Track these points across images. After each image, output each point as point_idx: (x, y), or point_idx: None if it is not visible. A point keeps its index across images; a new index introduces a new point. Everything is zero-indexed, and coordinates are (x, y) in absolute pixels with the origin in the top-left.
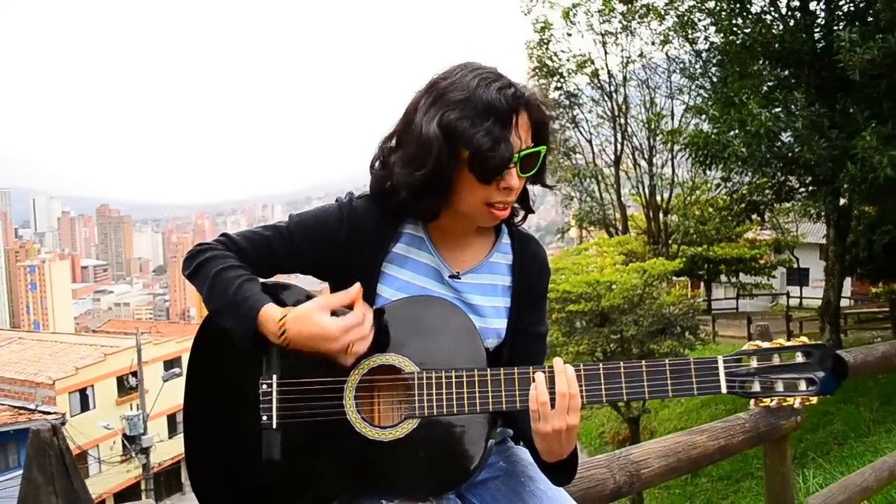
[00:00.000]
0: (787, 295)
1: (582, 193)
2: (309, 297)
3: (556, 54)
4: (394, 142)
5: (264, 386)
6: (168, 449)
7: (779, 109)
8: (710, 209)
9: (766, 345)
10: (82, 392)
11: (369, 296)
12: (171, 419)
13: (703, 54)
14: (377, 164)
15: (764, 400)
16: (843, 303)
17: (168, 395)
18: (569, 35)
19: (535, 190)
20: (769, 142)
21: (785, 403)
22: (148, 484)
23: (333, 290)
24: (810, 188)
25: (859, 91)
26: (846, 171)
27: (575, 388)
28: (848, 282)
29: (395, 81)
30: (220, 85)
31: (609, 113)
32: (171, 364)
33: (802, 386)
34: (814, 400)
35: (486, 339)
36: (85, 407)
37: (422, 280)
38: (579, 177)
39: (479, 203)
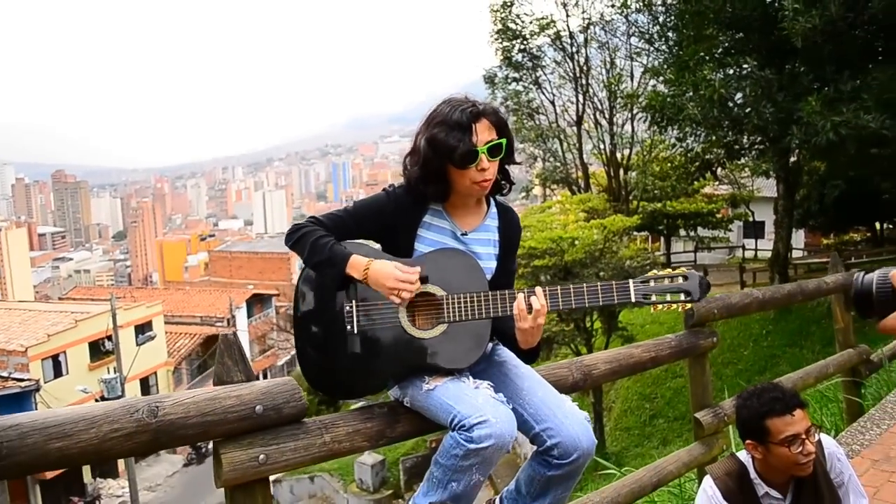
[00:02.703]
0: (743, 247)
1: (545, 153)
2: (368, 245)
3: (518, 17)
4: (410, 153)
5: (347, 307)
6: None
7: (731, 72)
8: (669, 166)
9: (661, 273)
10: (55, 358)
11: (409, 249)
12: (145, 382)
13: (660, 18)
14: (405, 167)
15: (658, 306)
16: (797, 254)
17: (141, 358)
18: None
19: None
20: (721, 105)
21: (671, 308)
22: None
23: (384, 249)
24: (760, 147)
25: (805, 55)
26: (792, 134)
27: (543, 301)
28: (802, 234)
29: (355, 38)
30: (175, 43)
31: (571, 74)
32: (141, 328)
33: (682, 297)
34: (689, 305)
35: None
36: (58, 373)
37: (443, 237)
38: (542, 137)
39: (468, 182)
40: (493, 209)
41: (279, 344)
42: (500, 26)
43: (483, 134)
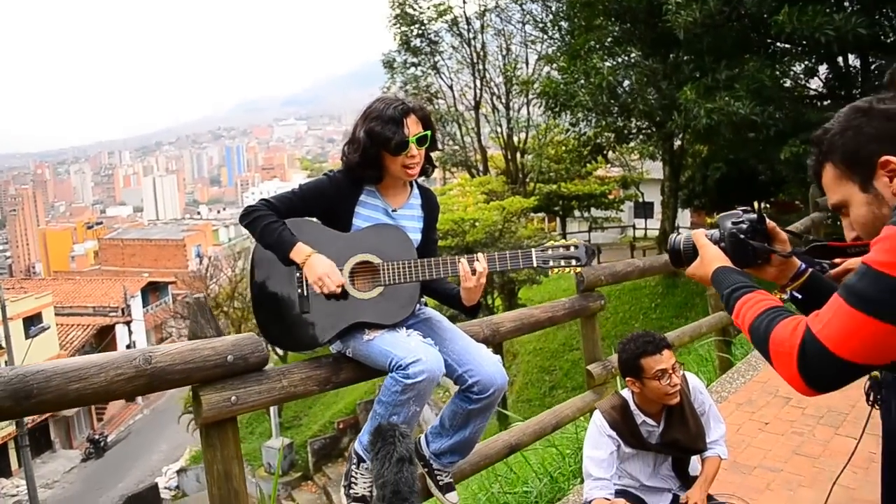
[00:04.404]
0: (634, 227)
1: (444, 136)
2: (314, 222)
3: (416, 2)
4: (349, 143)
5: (298, 274)
6: None
7: (619, 61)
8: (563, 149)
9: (557, 243)
10: None
11: (348, 224)
12: None
13: (553, 7)
14: (344, 154)
15: (554, 270)
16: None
17: (33, 351)
18: None
19: None
20: (610, 92)
21: (565, 272)
22: (23, 440)
23: (326, 223)
24: (646, 132)
25: (687, 45)
26: (674, 119)
27: (485, 265)
28: (688, 213)
29: (243, 18)
30: (53, 19)
31: (468, 59)
32: (31, 320)
33: (574, 263)
34: (579, 269)
35: None
36: None
37: (377, 214)
38: (441, 121)
39: (399, 167)
40: (416, 190)
41: (179, 331)
42: (398, 11)
43: (412, 127)
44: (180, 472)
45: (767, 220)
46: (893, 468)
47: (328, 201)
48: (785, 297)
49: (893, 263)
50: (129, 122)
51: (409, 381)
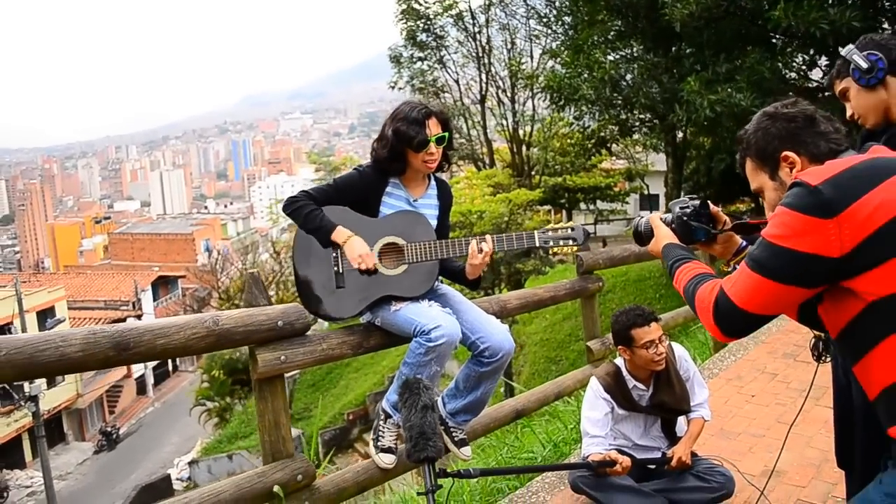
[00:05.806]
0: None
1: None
2: (347, 210)
3: None
4: (378, 139)
5: (334, 254)
6: (49, 398)
7: (621, 55)
8: (568, 142)
9: (557, 225)
10: None
11: (376, 211)
12: None
13: (556, 2)
14: (373, 150)
15: (554, 248)
16: None
17: None
18: None
19: None
20: (612, 86)
21: (563, 251)
22: (39, 431)
23: (355, 210)
24: (649, 124)
25: (688, 39)
26: (675, 112)
27: (491, 245)
28: None
29: (246, 13)
30: (57, 15)
31: (473, 53)
32: (44, 314)
33: (570, 243)
34: (575, 248)
35: None
36: None
37: (400, 203)
38: (448, 115)
39: (420, 162)
40: (434, 182)
41: None
42: (404, 6)
43: (433, 128)
44: (192, 463)
45: (711, 206)
46: (843, 422)
47: (359, 192)
48: (729, 269)
49: (780, 235)
50: (135, 116)
51: (432, 344)
